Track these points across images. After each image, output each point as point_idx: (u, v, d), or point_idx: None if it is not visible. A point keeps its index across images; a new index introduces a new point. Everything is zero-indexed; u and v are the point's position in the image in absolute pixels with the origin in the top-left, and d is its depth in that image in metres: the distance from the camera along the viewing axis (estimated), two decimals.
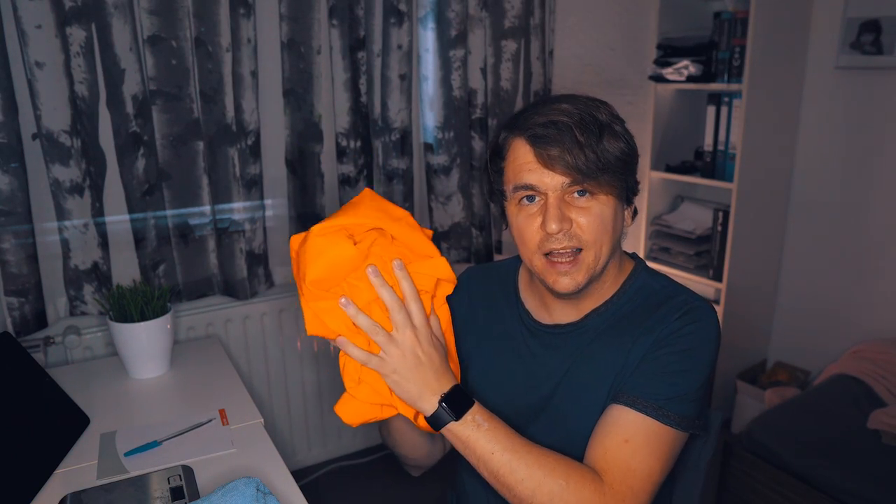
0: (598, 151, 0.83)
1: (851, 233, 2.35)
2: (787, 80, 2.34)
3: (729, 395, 2.51)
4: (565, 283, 0.88)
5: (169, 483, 1.01)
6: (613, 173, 0.84)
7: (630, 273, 0.97)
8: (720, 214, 2.36)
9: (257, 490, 0.85)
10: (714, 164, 2.35)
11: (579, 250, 0.87)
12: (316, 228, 0.82)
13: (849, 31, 2.21)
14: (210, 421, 1.25)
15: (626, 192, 0.90)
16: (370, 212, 0.85)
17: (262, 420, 1.27)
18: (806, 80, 2.38)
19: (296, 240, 0.85)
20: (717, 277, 2.38)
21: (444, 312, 0.90)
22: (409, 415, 0.88)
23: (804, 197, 2.47)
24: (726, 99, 2.27)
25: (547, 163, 0.84)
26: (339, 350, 0.85)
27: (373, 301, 0.82)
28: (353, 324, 0.82)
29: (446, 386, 0.85)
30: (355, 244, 0.82)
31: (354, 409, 0.87)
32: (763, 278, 2.54)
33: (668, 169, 2.51)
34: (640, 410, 0.85)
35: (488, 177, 0.94)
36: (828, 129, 2.36)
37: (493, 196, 0.95)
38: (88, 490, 1.00)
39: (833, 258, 2.41)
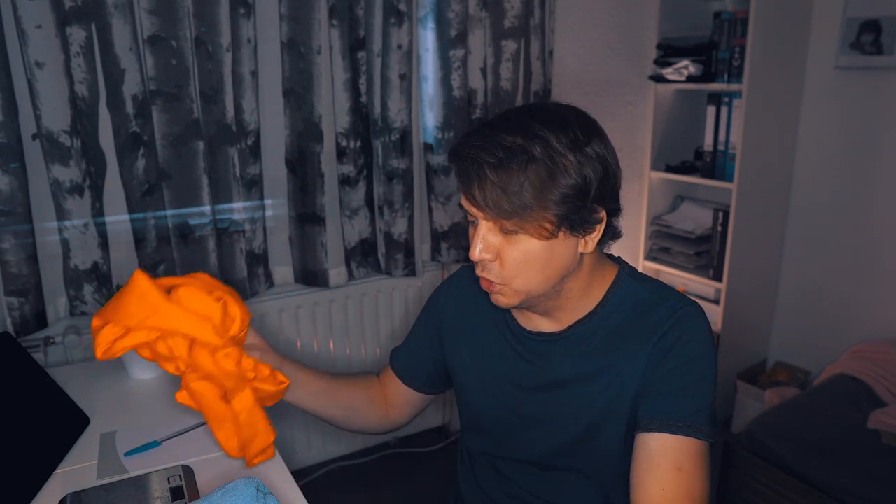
0: (510, 194, 0.77)
1: (851, 233, 2.35)
2: (787, 80, 2.34)
3: (729, 395, 2.51)
4: (497, 299, 0.88)
5: (169, 483, 1.01)
6: (552, 210, 0.78)
7: (613, 281, 0.93)
8: (720, 214, 2.36)
9: (257, 490, 0.85)
10: (714, 164, 2.35)
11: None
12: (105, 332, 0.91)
13: (849, 31, 2.21)
14: None
15: (582, 224, 0.82)
16: (140, 310, 0.91)
17: None
18: (806, 80, 2.38)
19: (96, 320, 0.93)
20: (717, 277, 2.38)
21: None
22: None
23: (804, 197, 2.47)
24: (726, 99, 2.27)
25: (468, 198, 0.82)
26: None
27: (174, 334, 0.89)
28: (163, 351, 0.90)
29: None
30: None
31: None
32: (763, 278, 2.54)
33: (668, 169, 2.51)
34: (676, 433, 0.82)
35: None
36: (828, 129, 2.36)
37: None
38: (88, 490, 1.00)
39: (833, 258, 2.41)
